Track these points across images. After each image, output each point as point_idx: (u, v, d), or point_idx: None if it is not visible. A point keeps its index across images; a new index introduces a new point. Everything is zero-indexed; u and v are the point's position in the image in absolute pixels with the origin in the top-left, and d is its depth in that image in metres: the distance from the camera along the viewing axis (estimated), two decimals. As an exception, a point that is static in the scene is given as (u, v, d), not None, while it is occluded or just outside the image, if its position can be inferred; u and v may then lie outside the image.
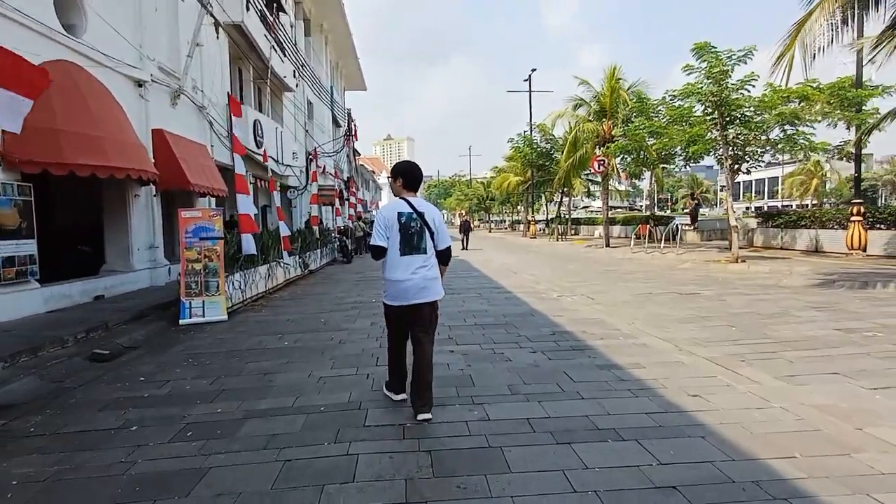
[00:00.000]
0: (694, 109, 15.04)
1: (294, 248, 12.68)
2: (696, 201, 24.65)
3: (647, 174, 24.21)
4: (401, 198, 3.63)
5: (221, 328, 6.95)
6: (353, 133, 33.68)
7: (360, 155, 46.98)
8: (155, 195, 10.40)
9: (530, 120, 28.27)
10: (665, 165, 20.16)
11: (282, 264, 11.16)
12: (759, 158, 13.21)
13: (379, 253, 3.56)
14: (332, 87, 31.91)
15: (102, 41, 8.82)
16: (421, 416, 3.48)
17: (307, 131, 26.19)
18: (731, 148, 13.03)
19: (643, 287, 9.75)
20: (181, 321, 7.24)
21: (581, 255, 18.60)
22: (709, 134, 14.81)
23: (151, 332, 6.72)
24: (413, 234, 3.52)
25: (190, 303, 7.36)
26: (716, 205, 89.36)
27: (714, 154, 14.30)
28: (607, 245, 20.59)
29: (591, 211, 61.66)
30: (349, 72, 38.61)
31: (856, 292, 8.60)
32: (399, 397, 3.85)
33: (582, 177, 26.97)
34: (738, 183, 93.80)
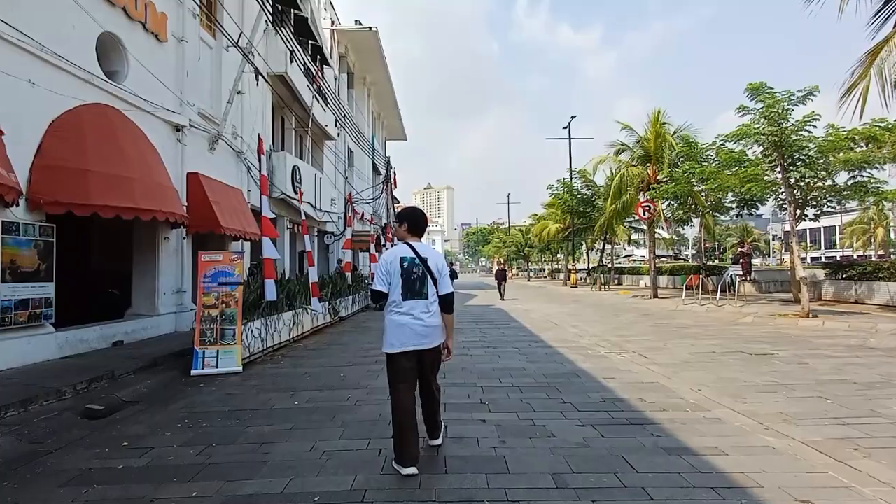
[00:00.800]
0: (749, 151, 14.13)
1: (324, 294, 12.23)
2: (745, 249, 23.00)
3: (695, 221, 22.96)
4: (405, 243, 3.62)
5: (233, 381, 6.37)
6: (392, 179, 34.02)
7: (399, 202, 47.57)
8: (184, 238, 10.24)
9: (570, 166, 27.77)
10: (716, 213, 18.99)
11: (309, 311, 10.67)
12: (827, 204, 12.00)
13: (378, 298, 3.55)
14: (373, 137, 32.62)
15: (143, 86, 8.91)
16: (433, 443, 3.83)
17: (346, 178, 26.52)
18: (794, 191, 11.92)
19: (704, 344, 8.62)
20: (193, 372, 6.72)
21: (628, 305, 17.37)
22: (767, 175, 13.82)
23: (158, 384, 6.20)
24: (415, 280, 3.49)
25: (203, 352, 6.86)
26: (768, 254, 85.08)
27: (774, 198, 13.21)
28: (655, 296, 19.25)
29: (634, 260, 59.56)
30: (390, 122, 39.66)
31: (968, 357, 7.24)
32: (408, 471, 3.35)
33: (625, 224, 25.90)
34: (790, 232, 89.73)
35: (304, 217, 11.47)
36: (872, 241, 57.20)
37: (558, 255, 50.48)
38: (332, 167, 23.33)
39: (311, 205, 18.44)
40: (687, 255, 74.39)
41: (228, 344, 6.96)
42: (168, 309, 9.70)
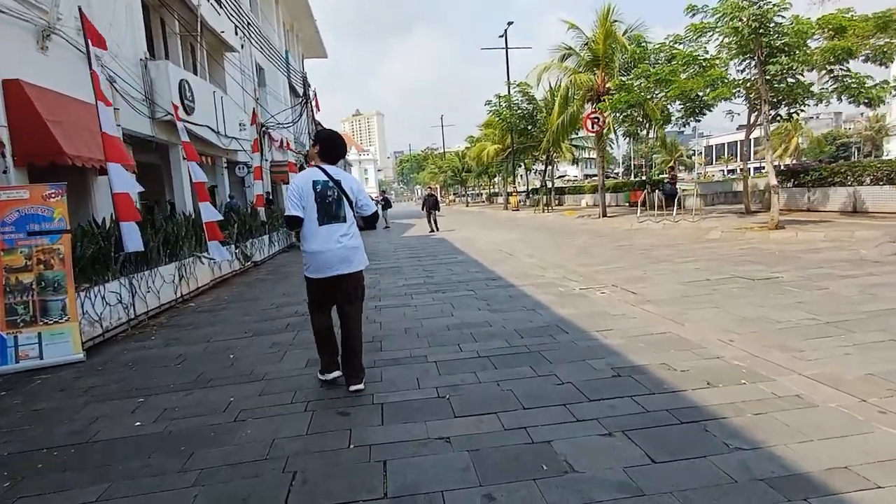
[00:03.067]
0: (707, 48, 12.71)
1: (227, 236, 9.82)
2: (673, 175, 22.40)
3: (643, 134, 21.80)
4: (316, 166, 3.46)
5: (60, 380, 4.20)
6: (314, 101, 30.21)
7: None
8: (4, 171, 7.35)
9: (508, 79, 25.45)
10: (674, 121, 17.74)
11: (204, 259, 8.33)
12: (802, 102, 10.78)
13: (294, 223, 3.39)
14: (286, 52, 28.33)
15: None
16: (353, 388, 3.43)
17: (257, 100, 22.83)
18: (771, 86, 10.54)
19: (689, 269, 7.29)
20: None
21: (578, 227, 16.15)
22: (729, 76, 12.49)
23: (-71, 399, 3.93)
24: (331, 203, 3.36)
25: (15, 338, 4.56)
26: (692, 169, 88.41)
27: (745, 98, 11.97)
28: (604, 215, 18.20)
29: (568, 180, 59.43)
30: (306, 36, 34.89)
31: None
32: (332, 375, 3.57)
33: (568, 141, 24.41)
34: (712, 146, 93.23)
35: (185, 138, 8.78)
36: (788, 151, 59.99)
37: (496, 179, 49.08)
38: (240, 88, 19.72)
39: (212, 129, 15.28)
40: (617, 173, 75.45)
41: (56, 322, 4.68)
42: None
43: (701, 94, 13.31)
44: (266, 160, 21.90)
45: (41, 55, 8.53)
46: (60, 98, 8.52)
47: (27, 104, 7.66)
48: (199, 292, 8.06)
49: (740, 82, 11.33)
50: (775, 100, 10.78)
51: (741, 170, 13.44)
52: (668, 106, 18.04)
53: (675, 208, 15.86)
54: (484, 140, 35.66)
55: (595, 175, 74.18)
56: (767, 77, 10.21)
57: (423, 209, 18.16)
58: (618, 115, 17.92)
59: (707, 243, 10.04)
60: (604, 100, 16.75)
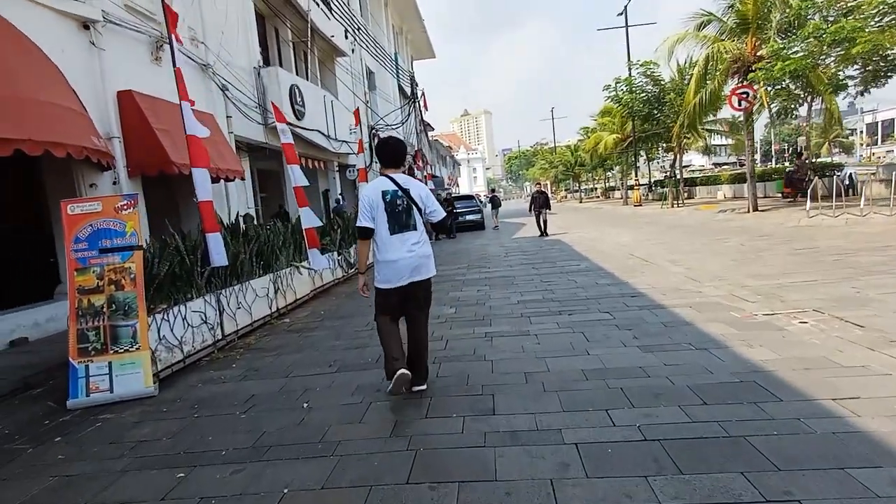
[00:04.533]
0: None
1: (327, 243, 9.29)
2: (803, 160, 18.06)
3: (801, 110, 18.11)
4: (384, 175, 3.46)
5: (116, 428, 3.58)
6: (422, 100, 29.96)
7: (433, 129, 43.44)
8: (115, 182, 7.34)
9: (628, 60, 22.78)
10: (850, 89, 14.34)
11: (303, 269, 7.77)
12: None
13: (365, 234, 3.42)
14: (395, 54, 28.47)
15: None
16: (417, 388, 3.52)
17: (367, 103, 22.92)
18: None
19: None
20: (69, 403, 3.99)
21: (723, 224, 13.54)
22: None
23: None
24: (401, 212, 3.39)
25: (87, 367, 4.08)
26: (850, 151, 75.23)
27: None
28: (755, 209, 15.19)
29: (692, 171, 53.36)
30: (415, 38, 35.02)
31: None
32: (399, 373, 3.39)
33: (702, 124, 21.18)
34: (875, 123, 78.02)
35: (286, 139, 8.34)
36: None
37: (611, 172, 45.49)
38: (350, 92, 19.83)
39: (323, 133, 15.28)
40: (755, 160, 66.29)
41: (126, 350, 4.14)
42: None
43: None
44: (377, 161, 21.93)
45: (155, 66, 8.61)
46: (169, 106, 8.48)
47: (138, 114, 7.66)
48: (297, 304, 7.51)
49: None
50: None
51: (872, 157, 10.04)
52: (841, 72, 14.61)
53: (843, 197, 12.59)
54: (600, 130, 32.88)
55: (727, 164, 66.03)
56: None
57: (530, 210, 15.51)
58: (770, 88, 14.88)
59: (933, 245, 7.38)
60: (755, 70, 13.90)
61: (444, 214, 3.59)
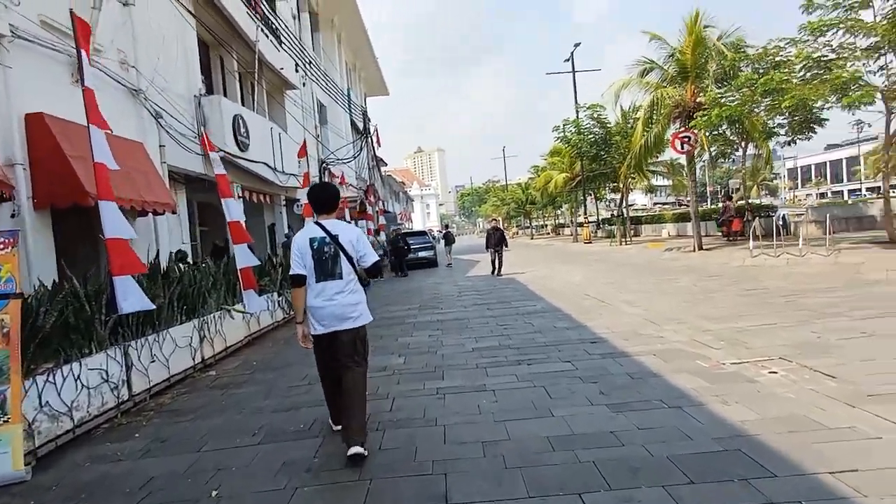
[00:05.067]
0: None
1: (266, 284, 8.55)
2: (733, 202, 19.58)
3: (737, 155, 19.13)
4: (315, 222, 3.48)
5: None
6: (375, 135, 29.75)
7: (385, 164, 43.28)
8: (14, 215, 6.39)
9: (576, 103, 23.62)
10: (780, 137, 15.21)
11: (234, 313, 6.99)
12: None
13: (298, 281, 3.41)
14: (348, 90, 28.31)
15: None
16: (351, 451, 3.12)
17: (317, 137, 22.43)
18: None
19: (894, 331, 5.01)
20: None
21: (673, 264, 13.75)
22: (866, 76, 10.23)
23: None
24: (327, 259, 3.37)
25: (-67, 449, 3.22)
26: (775, 193, 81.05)
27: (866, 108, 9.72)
28: (700, 248, 15.62)
29: (636, 209, 55.74)
30: (368, 75, 35.17)
31: None
32: (338, 427, 3.49)
33: (646, 166, 21.99)
34: (796, 168, 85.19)
35: (218, 171, 7.68)
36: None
37: (561, 210, 46.65)
38: (300, 125, 19.30)
39: (269, 166, 14.58)
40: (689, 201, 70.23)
41: (-9, 425, 3.31)
42: None
43: (832, 99, 10.93)
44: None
45: (75, 87, 7.80)
46: (85, 131, 7.69)
47: (49, 139, 6.82)
48: (227, 354, 6.70)
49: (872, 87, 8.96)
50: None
51: (872, 190, 10.70)
52: (769, 121, 15.55)
53: (777, 238, 13.16)
54: (550, 169, 33.71)
55: (666, 203, 69.50)
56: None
57: (487, 248, 14.55)
58: (709, 133, 15.60)
59: (875, 287, 7.54)
60: (695, 116, 14.53)
61: (377, 259, 3.49)
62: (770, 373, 4.12)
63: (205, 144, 8.71)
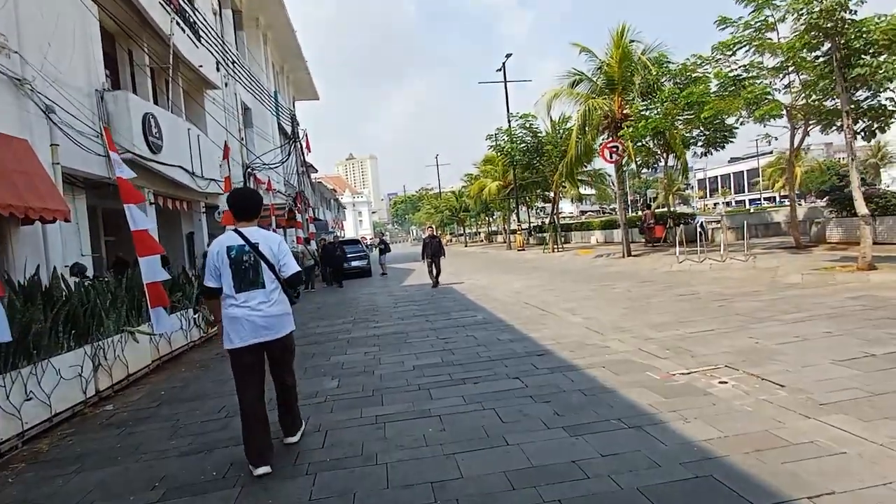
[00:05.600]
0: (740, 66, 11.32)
1: (178, 300, 7.63)
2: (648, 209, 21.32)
3: (660, 165, 20.12)
4: (233, 230, 3.30)
5: None
6: (304, 140, 28.56)
7: (316, 171, 41.83)
8: None
9: (507, 112, 23.95)
10: (697, 148, 16.06)
11: (137, 336, 6.09)
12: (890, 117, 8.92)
13: (211, 294, 3.31)
14: (276, 92, 27.00)
15: None
16: (288, 440, 3.50)
17: (242, 140, 21.13)
18: (853, 95, 8.75)
19: (821, 336, 5.11)
20: None
21: (606, 270, 14.05)
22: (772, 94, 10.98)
23: None
24: (247, 269, 3.22)
25: None
26: (687, 202, 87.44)
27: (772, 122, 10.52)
28: (629, 254, 16.15)
29: (565, 217, 57.89)
30: (297, 78, 33.92)
31: None
32: (260, 471, 3.09)
33: (577, 175, 22.66)
34: (705, 179, 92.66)
35: (120, 173, 6.74)
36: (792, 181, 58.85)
37: (493, 217, 47.37)
38: (222, 127, 18.02)
39: (186, 170, 13.36)
40: (613, 209, 74.01)
41: None
42: None
43: (745, 113, 11.61)
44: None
45: (-62, 74, 6.62)
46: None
47: None
48: (129, 383, 5.80)
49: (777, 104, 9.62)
50: (860, 112, 8.93)
51: (770, 199, 11.50)
52: (686, 134, 16.47)
53: (699, 244, 13.91)
54: (483, 177, 34.05)
55: (591, 211, 72.72)
56: (847, 82, 8.38)
57: (423, 257, 13.83)
58: (634, 144, 16.26)
59: (794, 290, 7.93)
60: (623, 127, 15.06)
61: (297, 270, 3.37)
62: (720, 383, 4.02)
63: (107, 141, 7.68)
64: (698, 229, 17.87)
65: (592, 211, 75.43)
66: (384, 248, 21.69)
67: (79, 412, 4.82)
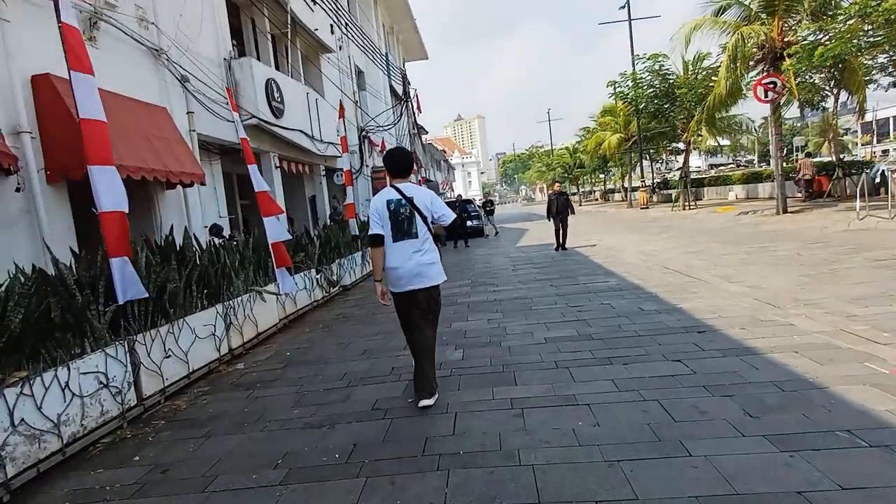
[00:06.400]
0: None
1: (302, 260, 7.72)
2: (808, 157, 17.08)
3: (829, 102, 16.74)
4: (391, 185, 3.59)
5: None
6: (416, 101, 28.41)
7: (426, 133, 41.94)
8: (19, 189, 5.72)
9: (632, 54, 21.40)
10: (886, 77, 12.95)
11: (266, 295, 6.18)
12: None
13: (376, 241, 3.51)
14: (387, 54, 26.99)
15: None
16: (422, 403, 3.46)
17: (356, 102, 21.41)
18: None
19: None
20: None
21: (758, 229, 12.04)
22: None
23: None
24: (403, 220, 3.48)
25: None
26: (845, 150, 74.45)
27: None
28: (784, 210, 13.73)
29: (691, 172, 52.03)
30: (406, 38, 33.62)
31: None
32: (425, 402, 3.49)
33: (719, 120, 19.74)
34: (869, 122, 77.13)
35: (242, 134, 6.78)
36: None
37: (610, 174, 44.10)
38: (338, 91, 18.29)
39: (306, 134, 13.72)
40: (750, 161, 64.81)
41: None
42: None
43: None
44: (367, 165, 20.37)
45: (90, 47, 7.02)
46: (106, 95, 6.92)
47: (59, 103, 6.09)
48: (259, 341, 5.91)
49: None
50: None
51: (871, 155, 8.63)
52: (869, 61, 13.26)
53: (885, 198, 11.18)
54: (601, 130, 31.45)
55: (722, 165, 64.67)
56: None
57: (548, 216, 12.50)
58: (798, 80, 13.47)
59: None
60: (784, 57, 12.48)
61: (454, 217, 3.58)
62: None
63: (230, 102, 7.84)
64: (875, 181, 14.73)
65: (722, 164, 67.16)
66: (491, 210, 21.04)
67: (214, 370, 4.94)
